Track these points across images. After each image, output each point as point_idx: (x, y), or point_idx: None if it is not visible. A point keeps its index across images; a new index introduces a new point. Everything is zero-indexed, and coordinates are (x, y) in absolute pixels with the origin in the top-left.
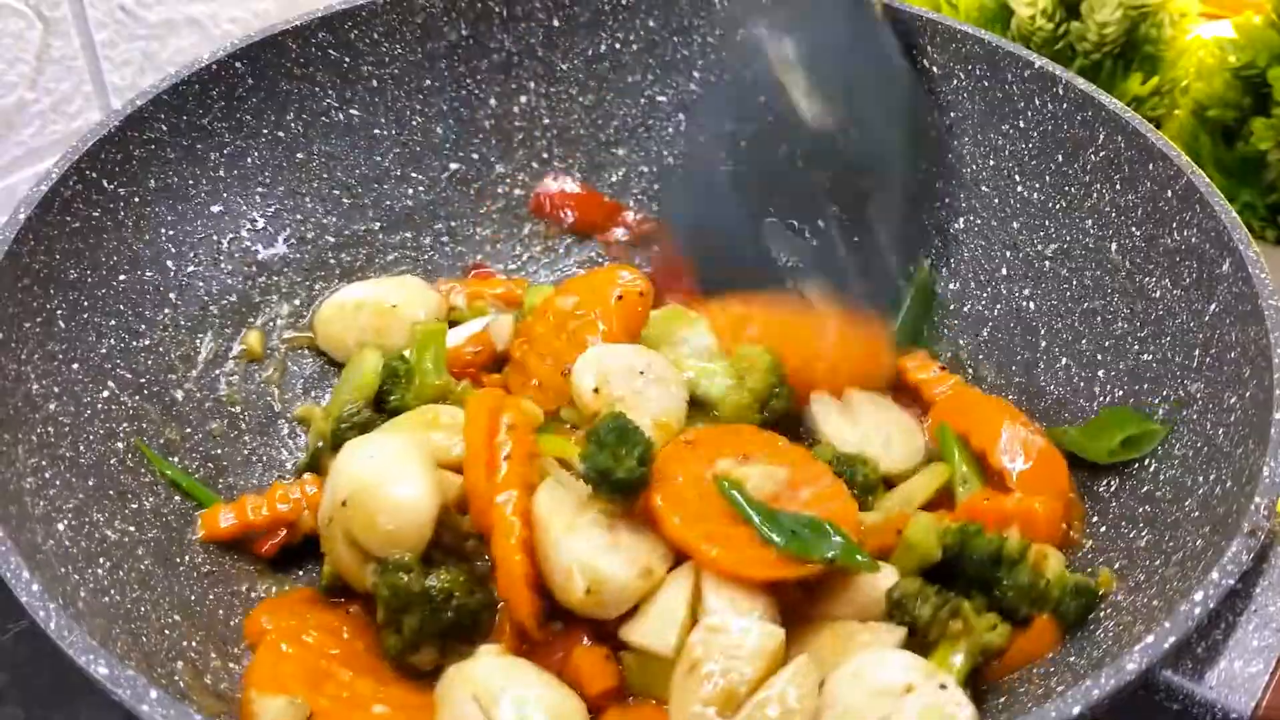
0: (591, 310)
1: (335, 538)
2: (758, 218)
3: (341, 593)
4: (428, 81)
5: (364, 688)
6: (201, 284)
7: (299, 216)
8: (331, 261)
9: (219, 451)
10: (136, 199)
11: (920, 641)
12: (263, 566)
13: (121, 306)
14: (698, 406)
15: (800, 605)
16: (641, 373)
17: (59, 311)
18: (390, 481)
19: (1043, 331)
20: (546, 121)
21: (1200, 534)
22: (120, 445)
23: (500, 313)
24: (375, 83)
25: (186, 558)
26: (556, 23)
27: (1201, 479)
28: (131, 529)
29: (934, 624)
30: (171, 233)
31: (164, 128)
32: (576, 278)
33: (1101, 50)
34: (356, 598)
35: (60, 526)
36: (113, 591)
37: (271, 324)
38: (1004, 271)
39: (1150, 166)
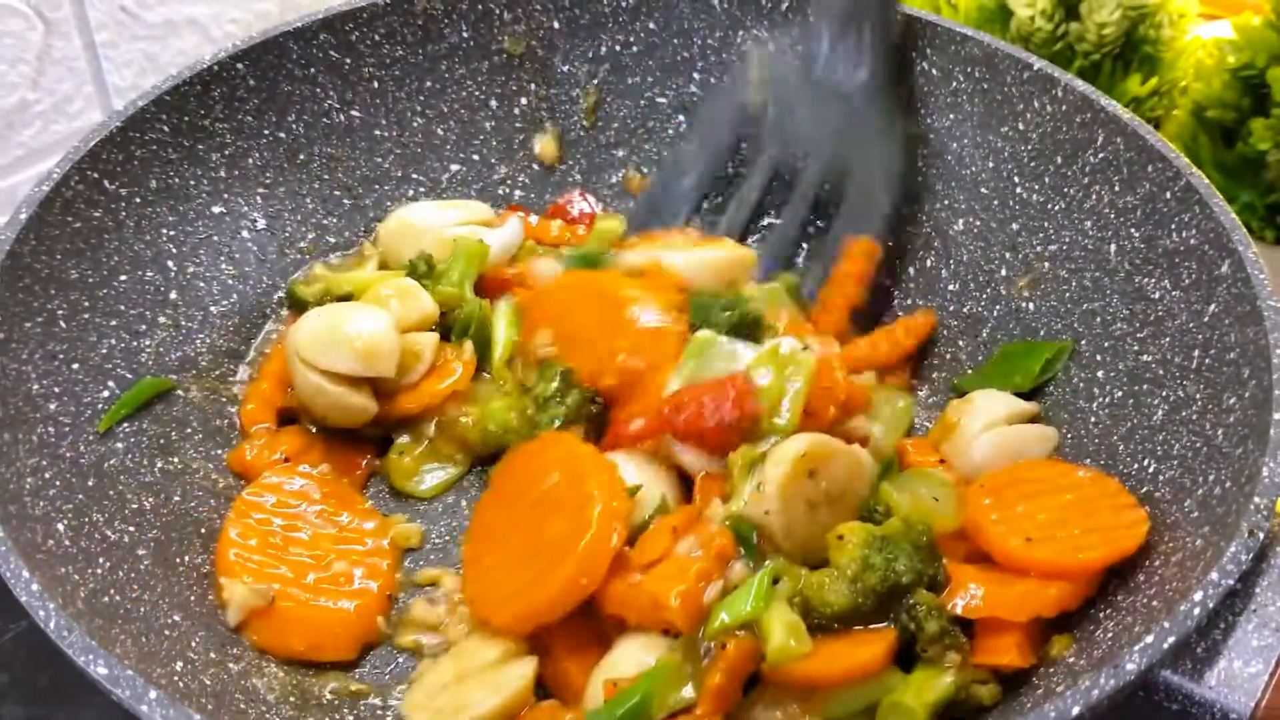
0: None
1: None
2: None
3: None
4: (429, 83)
5: (324, 541)
6: (203, 285)
7: (300, 218)
8: (334, 263)
9: (220, 452)
10: (138, 199)
11: (909, 652)
12: None
13: (122, 307)
14: None
15: None
16: None
17: (60, 312)
18: (352, 319)
19: (1042, 333)
20: (547, 123)
21: (1199, 534)
22: (120, 445)
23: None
24: (376, 84)
25: (186, 558)
26: (557, 25)
27: (1201, 479)
28: (131, 529)
29: (934, 643)
30: (172, 233)
31: (165, 128)
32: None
33: (1101, 51)
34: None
35: (60, 526)
36: (112, 591)
37: (274, 329)
38: (1003, 273)
39: (1149, 168)
